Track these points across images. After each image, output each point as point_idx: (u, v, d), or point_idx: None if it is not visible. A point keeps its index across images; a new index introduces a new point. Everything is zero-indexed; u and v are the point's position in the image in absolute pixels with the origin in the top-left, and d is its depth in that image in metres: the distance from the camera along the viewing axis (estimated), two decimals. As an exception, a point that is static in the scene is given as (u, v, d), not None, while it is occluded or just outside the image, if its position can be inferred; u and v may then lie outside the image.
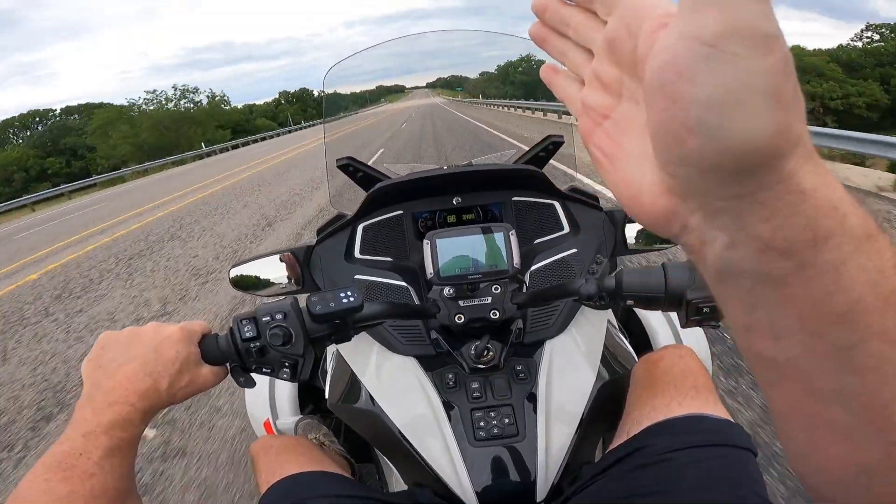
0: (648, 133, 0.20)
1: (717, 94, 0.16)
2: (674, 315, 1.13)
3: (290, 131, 38.18)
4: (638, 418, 0.69)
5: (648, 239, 0.92)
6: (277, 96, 66.01)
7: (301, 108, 60.24)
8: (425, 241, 0.77)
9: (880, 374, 0.19)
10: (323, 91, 1.07)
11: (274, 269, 0.94)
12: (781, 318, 0.19)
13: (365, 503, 0.66)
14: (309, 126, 40.31)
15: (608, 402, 0.77)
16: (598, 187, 5.20)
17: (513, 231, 0.77)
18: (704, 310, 0.56)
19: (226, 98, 51.57)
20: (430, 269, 0.77)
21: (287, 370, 0.61)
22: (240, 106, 58.59)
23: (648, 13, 0.20)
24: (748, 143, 0.17)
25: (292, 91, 65.47)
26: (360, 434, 0.86)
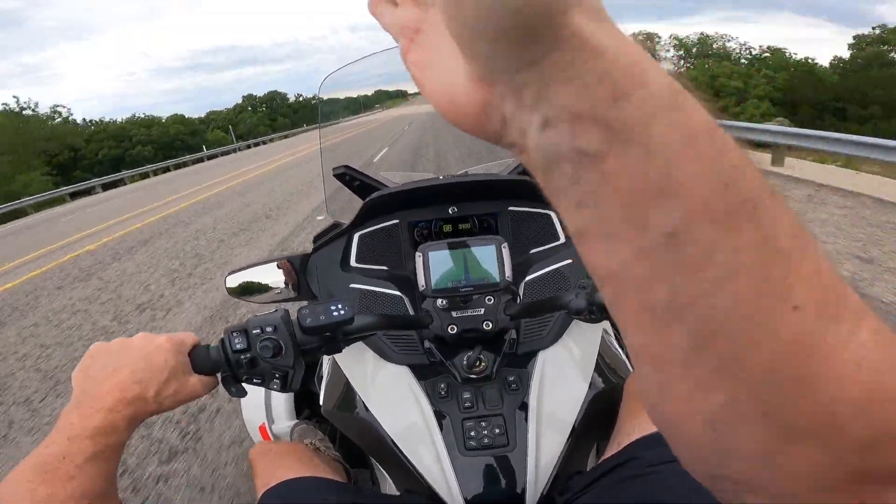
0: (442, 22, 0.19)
1: None
2: None
3: (249, 146, 29.77)
4: (629, 430, 0.69)
5: None
6: (242, 101, 55.46)
7: (269, 117, 51.59)
8: (417, 254, 0.78)
9: (712, 271, 0.16)
10: (319, 98, 1.08)
11: (271, 277, 0.94)
12: (606, 209, 0.17)
13: None
14: (276, 138, 33.19)
15: (602, 412, 0.77)
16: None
17: (505, 244, 0.77)
18: None
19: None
20: (422, 282, 0.78)
21: (277, 381, 0.62)
22: (203, 114, 51.00)
23: None
24: None
25: (260, 95, 56.47)
26: (354, 441, 0.87)
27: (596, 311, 0.63)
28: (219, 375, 0.62)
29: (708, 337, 0.17)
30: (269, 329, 0.61)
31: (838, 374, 0.16)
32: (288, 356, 0.61)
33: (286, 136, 34.61)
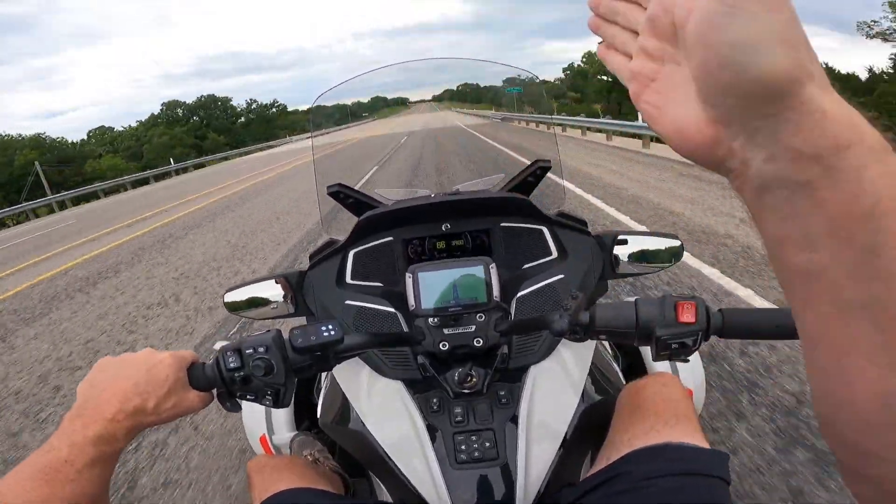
0: (692, 78, 0.26)
1: (741, 38, 0.22)
2: None
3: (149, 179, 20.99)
4: (618, 444, 0.71)
5: (639, 261, 0.93)
6: (163, 108, 36.60)
7: (196, 134, 34.97)
8: (408, 275, 0.80)
9: None
10: (311, 114, 1.09)
11: (268, 293, 0.96)
12: (812, 225, 0.23)
13: None
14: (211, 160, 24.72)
15: (594, 424, 0.79)
16: (589, 197, 5.37)
17: (493, 265, 0.79)
18: (673, 346, 0.58)
19: None
20: (411, 302, 0.80)
21: (269, 397, 0.65)
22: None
23: None
24: (767, 73, 0.22)
25: (190, 102, 39.01)
26: (351, 453, 0.88)
27: (579, 331, 0.64)
28: (214, 391, 0.65)
29: (893, 329, 0.21)
30: (261, 349, 0.64)
31: None
32: (279, 374, 0.64)
33: (226, 158, 27.00)
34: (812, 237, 0.23)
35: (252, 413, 1.23)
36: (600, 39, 0.34)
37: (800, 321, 0.25)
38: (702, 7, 0.24)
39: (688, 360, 0.61)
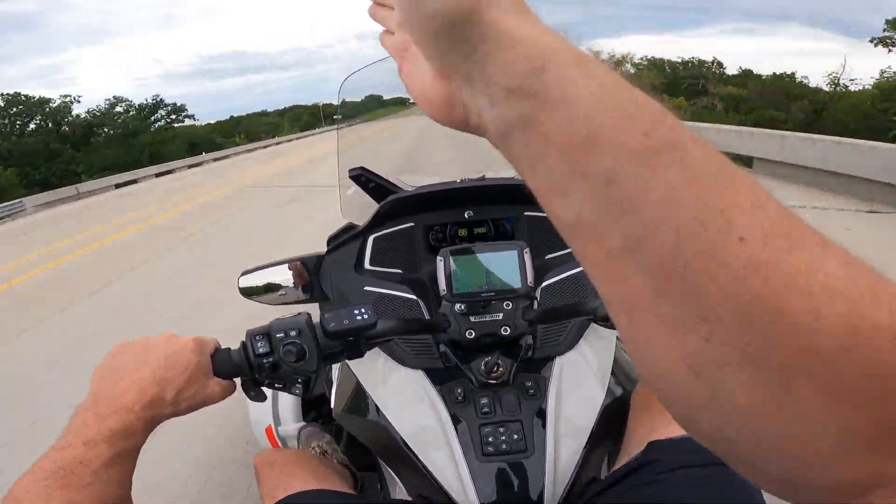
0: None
1: None
2: None
3: None
4: (640, 438, 0.70)
5: None
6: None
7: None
8: (439, 258, 0.78)
9: (652, 208, 0.18)
10: (340, 99, 1.08)
11: (283, 278, 0.94)
12: (550, 166, 0.20)
13: None
14: None
15: (615, 419, 0.77)
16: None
17: (527, 249, 0.77)
18: None
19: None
20: (442, 286, 0.77)
21: (299, 385, 0.61)
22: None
23: None
24: (441, 4, 0.20)
25: (84, 114, 29.14)
26: (365, 444, 0.86)
27: None
28: (237, 380, 0.61)
29: (664, 275, 0.18)
30: (293, 333, 0.60)
31: (809, 305, 0.16)
32: (311, 361, 0.60)
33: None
34: (555, 180, 0.20)
35: (258, 405, 1.20)
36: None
37: (593, 282, 0.22)
38: None
39: None
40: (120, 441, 0.49)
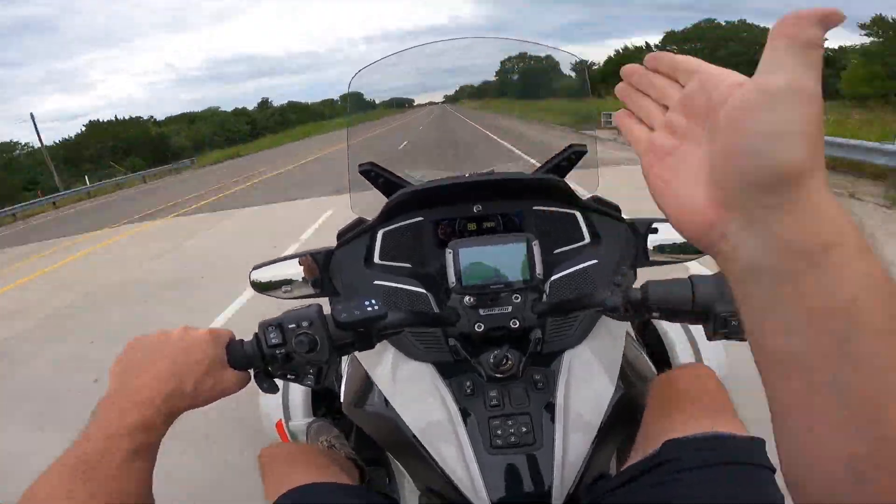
0: (707, 160, 0.28)
1: (772, 129, 0.24)
2: (694, 329, 1.13)
3: None
4: (655, 435, 0.69)
5: (672, 250, 0.91)
6: None
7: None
8: (448, 250, 0.78)
9: (871, 367, 0.23)
10: (349, 93, 1.09)
11: (294, 272, 0.94)
12: (793, 314, 0.25)
13: None
14: None
15: (625, 414, 0.76)
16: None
17: (536, 241, 0.77)
18: (732, 323, 0.55)
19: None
20: (451, 278, 0.77)
21: (311, 376, 0.61)
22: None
23: (723, 77, 0.28)
24: (786, 163, 0.24)
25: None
26: (374, 438, 0.86)
27: (630, 309, 0.63)
28: (251, 371, 0.61)
29: (861, 408, 0.23)
30: (304, 324, 0.60)
31: None
32: (323, 351, 0.60)
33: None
34: (791, 325, 0.25)
35: (268, 399, 1.21)
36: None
37: (770, 393, 0.27)
38: (742, 93, 0.26)
39: (745, 339, 0.58)
40: (140, 435, 0.50)
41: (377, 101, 1.41)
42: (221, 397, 0.59)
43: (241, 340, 0.61)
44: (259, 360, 0.60)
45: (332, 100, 63.38)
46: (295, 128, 45.29)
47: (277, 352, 0.59)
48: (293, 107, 57.59)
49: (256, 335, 0.61)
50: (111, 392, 0.53)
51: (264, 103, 55.83)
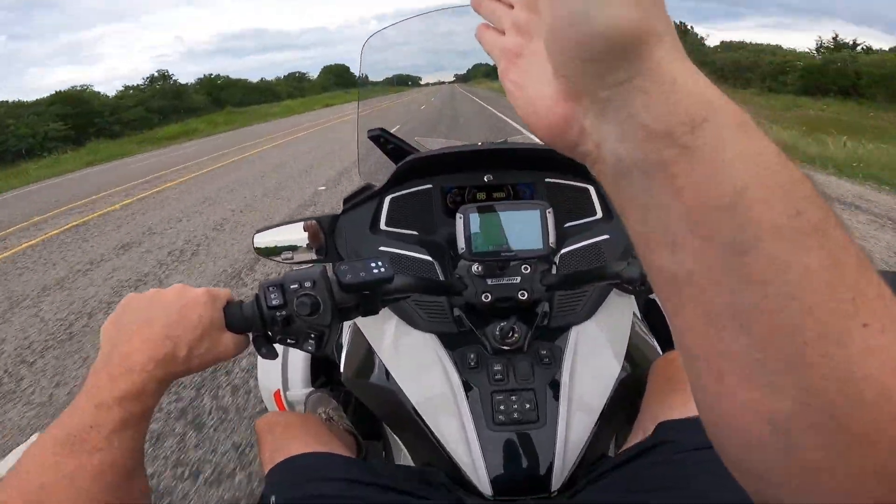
0: (544, 45, 0.23)
1: None
2: None
3: None
4: (655, 415, 0.67)
5: None
6: None
7: None
8: (458, 215, 0.75)
9: (780, 286, 0.18)
10: (360, 60, 1.06)
11: (298, 237, 0.92)
12: (672, 219, 0.20)
13: (372, 488, 0.64)
14: None
15: (627, 395, 0.75)
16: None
17: (550, 210, 0.74)
18: None
19: None
20: (461, 244, 0.74)
21: (312, 341, 0.58)
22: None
23: None
24: (612, 28, 0.19)
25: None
26: (373, 410, 0.84)
27: (647, 283, 0.60)
28: (250, 335, 0.58)
29: (774, 345, 0.18)
30: (307, 284, 0.57)
31: None
32: (325, 314, 0.57)
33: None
34: (673, 233, 0.20)
35: (268, 367, 1.20)
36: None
37: (673, 330, 0.22)
38: None
39: None
40: (132, 403, 0.47)
41: (385, 78, 1.37)
42: (218, 362, 0.55)
43: (241, 301, 0.58)
44: (258, 322, 0.57)
45: (300, 73, 52.84)
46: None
47: (277, 314, 0.56)
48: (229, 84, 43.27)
49: (257, 296, 0.58)
50: (102, 357, 0.50)
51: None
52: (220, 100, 38.67)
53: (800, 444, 0.19)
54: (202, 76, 42.56)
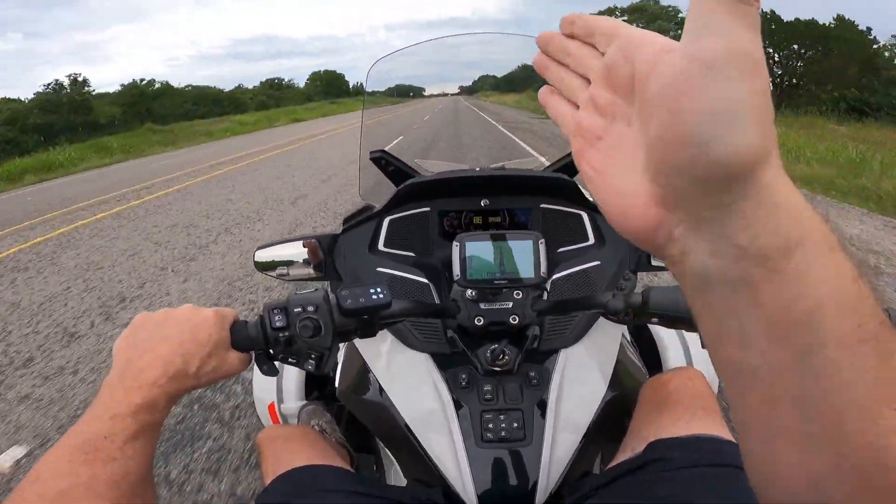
0: (643, 146, 0.23)
1: (713, 109, 0.20)
2: (688, 335, 1.13)
3: None
4: (644, 436, 0.69)
5: None
6: None
7: None
8: (455, 244, 0.78)
9: (835, 380, 0.21)
10: (365, 82, 1.09)
11: (297, 254, 0.95)
12: (751, 325, 0.22)
13: (367, 499, 0.66)
14: None
15: (614, 416, 0.77)
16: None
17: (542, 240, 0.77)
18: None
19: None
20: (456, 272, 0.77)
21: (313, 361, 0.61)
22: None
23: (645, 42, 0.23)
24: (735, 154, 0.20)
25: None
26: (367, 425, 0.86)
27: (630, 314, 0.63)
28: (253, 353, 0.61)
29: (821, 422, 0.21)
30: (310, 308, 0.60)
31: None
32: (326, 337, 0.60)
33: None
34: (748, 337, 0.22)
35: (263, 380, 1.21)
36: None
37: (732, 404, 0.25)
38: (672, 63, 0.21)
39: None
40: (144, 415, 0.50)
41: (387, 88, 1.40)
42: (224, 378, 0.59)
43: (246, 322, 0.61)
44: (262, 342, 0.60)
45: (279, 80, 44.74)
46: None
47: (281, 335, 0.59)
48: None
49: (261, 317, 0.61)
50: (116, 371, 0.52)
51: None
52: (148, 112, 31.22)
53: (830, 493, 0.22)
54: (123, 83, 35.30)
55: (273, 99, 43.49)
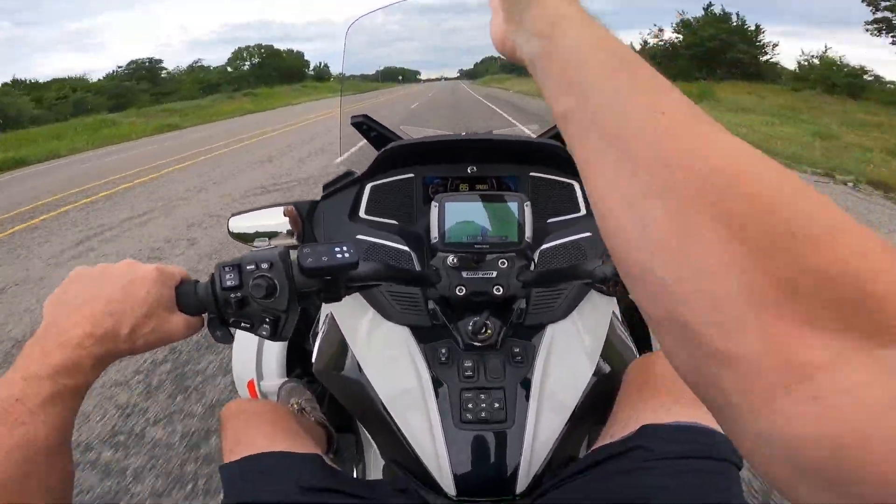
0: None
1: None
2: None
3: None
4: (626, 421, 0.66)
5: None
6: None
7: None
8: (433, 203, 0.72)
9: (613, 104, 0.26)
10: (345, 45, 1.03)
11: (276, 222, 0.90)
12: (554, 81, 0.29)
13: (328, 494, 0.62)
14: None
15: (601, 397, 0.73)
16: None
17: (528, 202, 0.72)
18: None
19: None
20: (434, 233, 0.72)
21: (267, 326, 0.55)
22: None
23: None
24: None
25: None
26: (343, 403, 0.82)
27: (620, 284, 0.58)
28: (205, 317, 0.56)
29: (611, 136, 0.25)
30: (264, 266, 0.54)
31: (705, 152, 0.22)
32: (282, 298, 0.54)
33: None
34: (557, 88, 0.29)
35: (242, 356, 1.17)
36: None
37: (575, 155, 0.28)
38: None
39: None
40: (64, 377, 0.44)
41: (375, 71, 1.33)
42: (165, 343, 0.52)
43: (195, 282, 0.55)
44: (212, 303, 0.54)
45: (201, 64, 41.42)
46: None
47: (232, 296, 0.53)
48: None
49: (212, 276, 0.55)
50: (41, 330, 0.47)
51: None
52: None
53: (646, 214, 0.23)
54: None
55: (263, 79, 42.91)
